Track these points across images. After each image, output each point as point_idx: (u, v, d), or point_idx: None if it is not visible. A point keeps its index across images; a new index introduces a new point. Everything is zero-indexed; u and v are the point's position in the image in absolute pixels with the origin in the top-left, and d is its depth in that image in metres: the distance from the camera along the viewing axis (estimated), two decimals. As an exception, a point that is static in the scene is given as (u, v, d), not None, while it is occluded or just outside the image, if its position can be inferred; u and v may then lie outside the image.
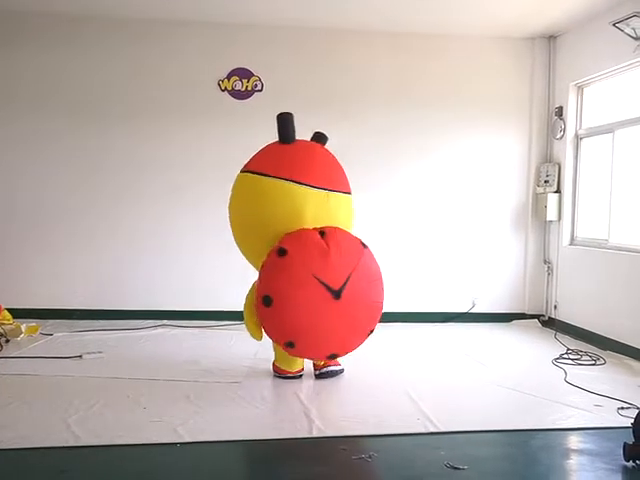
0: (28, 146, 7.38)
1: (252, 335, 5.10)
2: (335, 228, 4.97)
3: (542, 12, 6.92)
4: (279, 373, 5.28)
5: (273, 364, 5.35)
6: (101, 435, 3.92)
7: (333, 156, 5.32)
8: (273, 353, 5.33)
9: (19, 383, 4.97)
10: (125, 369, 5.38)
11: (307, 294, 4.68)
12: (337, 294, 4.73)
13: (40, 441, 3.80)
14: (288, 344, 4.84)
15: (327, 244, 4.78)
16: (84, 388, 4.84)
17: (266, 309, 4.73)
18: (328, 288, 4.71)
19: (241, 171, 5.20)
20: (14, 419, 4.17)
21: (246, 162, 5.21)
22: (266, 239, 4.91)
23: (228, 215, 5.22)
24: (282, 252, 4.71)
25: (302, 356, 5.14)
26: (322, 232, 4.87)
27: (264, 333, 5.01)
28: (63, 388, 4.85)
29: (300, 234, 4.84)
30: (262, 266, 4.82)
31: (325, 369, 5.30)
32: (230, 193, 5.21)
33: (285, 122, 5.11)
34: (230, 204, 5.20)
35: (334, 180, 5.18)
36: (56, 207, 7.42)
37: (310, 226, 4.92)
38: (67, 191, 7.43)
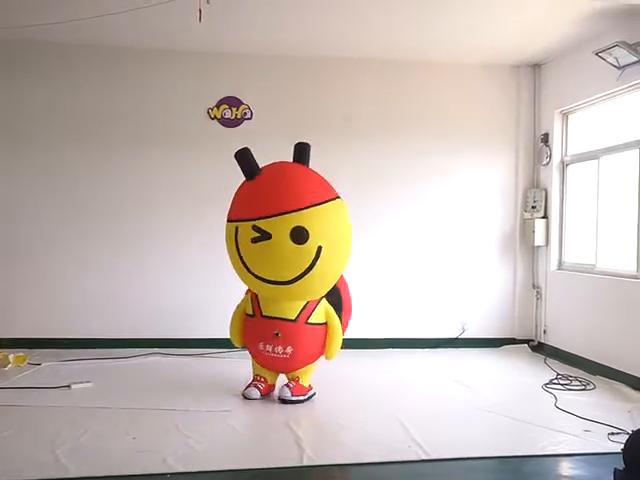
0: (20, 178, 7.38)
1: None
2: None
3: (527, 41, 7.05)
4: (305, 393, 5.35)
5: (298, 387, 5.35)
6: (90, 466, 3.88)
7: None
8: (302, 378, 5.39)
9: (6, 414, 4.92)
10: (114, 399, 5.34)
11: None
12: None
13: (28, 473, 3.75)
14: None
15: None
16: (73, 418, 4.80)
17: None
18: None
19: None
20: (1, 451, 4.12)
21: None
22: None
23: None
24: None
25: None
26: None
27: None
28: (51, 419, 4.79)
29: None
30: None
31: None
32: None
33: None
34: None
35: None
36: (44, 237, 7.38)
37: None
38: (55, 221, 7.40)
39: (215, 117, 7.54)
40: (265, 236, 4.92)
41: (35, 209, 7.40)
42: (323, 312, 5.35)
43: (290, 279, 5.01)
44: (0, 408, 5.05)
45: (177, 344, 7.27)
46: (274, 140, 7.21)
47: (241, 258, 5.09)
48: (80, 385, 5.70)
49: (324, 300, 5.37)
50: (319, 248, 4.95)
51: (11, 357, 6.38)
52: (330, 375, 5.81)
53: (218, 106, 7.54)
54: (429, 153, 7.83)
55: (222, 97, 7.54)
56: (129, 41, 7.19)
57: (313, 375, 5.53)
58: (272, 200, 5.00)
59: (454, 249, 7.90)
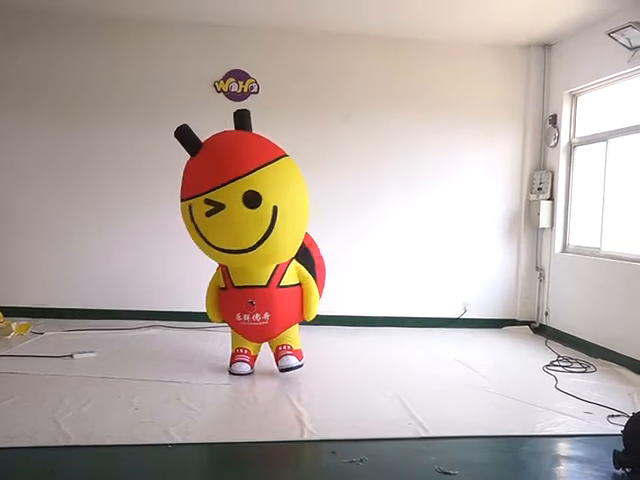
0: (13, 144, 7.34)
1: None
2: None
3: (537, 20, 6.95)
4: (302, 357, 5.38)
5: (296, 352, 5.37)
6: (91, 435, 3.91)
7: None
8: (292, 344, 5.38)
9: (9, 382, 4.95)
10: (116, 369, 5.36)
11: None
12: None
13: (30, 440, 3.78)
14: None
15: None
16: (75, 388, 4.82)
17: None
18: None
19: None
20: (3, 418, 4.14)
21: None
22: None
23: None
24: None
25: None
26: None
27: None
28: (54, 387, 4.83)
29: None
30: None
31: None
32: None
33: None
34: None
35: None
36: (47, 206, 7.39)
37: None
38: (57, 190, 7.40)
39: (221, 90, 7.48)
40: (218, 207, 4.81)
41: (29, 177, 7.37)
42: (295, 273, 5.31)
43: (253, 245, 4.91)
44: (2, 375, 5.08)
45: (179, 317, 7.30)
46: (281, 115, 7.21)
47: (200, 234, 4.99)
48: (83, 355, 5.72)
49: (294, 261, 5.33)
50: (275, 208, 4.83)
51: (14, 325, 6.40)
52: (332, 351, 5.83)
53: (225, 79, 7.48)
54: (436, 132, 7.76)
55: (229, 70, 7.48)
56: (135, 11, 7.10)
57: (314, 351, 5.55)
58: (219, 170, 4.88)
59: (458, 229, 7.87)
